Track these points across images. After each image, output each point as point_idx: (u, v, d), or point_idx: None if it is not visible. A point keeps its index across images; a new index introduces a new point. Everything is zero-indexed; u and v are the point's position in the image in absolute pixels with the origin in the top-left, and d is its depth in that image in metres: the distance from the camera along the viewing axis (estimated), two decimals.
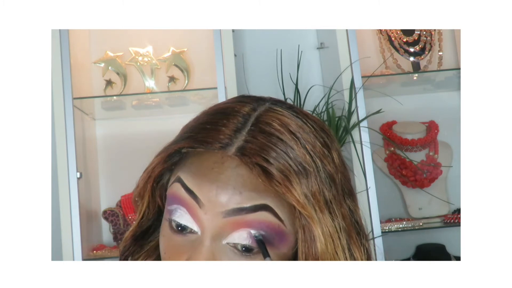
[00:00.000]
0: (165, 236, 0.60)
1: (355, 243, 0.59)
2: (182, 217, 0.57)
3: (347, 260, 0.57)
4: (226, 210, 0.55)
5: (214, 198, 0.55)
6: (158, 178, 0.63)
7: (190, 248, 0.57)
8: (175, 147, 0.59)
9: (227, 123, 0.57)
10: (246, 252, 0.56)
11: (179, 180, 0.58)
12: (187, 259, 0.57)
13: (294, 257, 0.60)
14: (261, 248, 0.56)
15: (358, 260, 0.58)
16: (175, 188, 0.59)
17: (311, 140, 0.58)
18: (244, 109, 0.59)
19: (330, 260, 0.56)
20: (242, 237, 0.55)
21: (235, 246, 0.56)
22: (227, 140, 0.56)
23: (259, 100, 0.61)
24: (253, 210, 0.55)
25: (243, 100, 0.61)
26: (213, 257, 0.56)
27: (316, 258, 0.56)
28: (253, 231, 0.56)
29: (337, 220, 0.57)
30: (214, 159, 0.57)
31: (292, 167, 0.55)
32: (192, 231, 0.57)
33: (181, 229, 0.58)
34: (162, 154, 0.60)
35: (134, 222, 0.67)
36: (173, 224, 0.58)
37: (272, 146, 0.55)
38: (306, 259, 0.57)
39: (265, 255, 0.56)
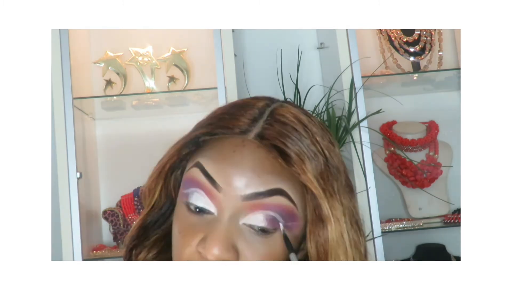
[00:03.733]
0: (181, 217, 0.61)
1: (355, 233, 0.61)
2: (199, 199, 0.60)
3: (350, 243, 0.60)
4: (245, 194, 0.58)
5: (234, 182, 0.58)
6: (172, 168, 0.65)
7: (207, 227, 0.58)
8: (196, 133, 0.62)
9: (245, 113, 0.61)
10: (262, 232, 0.58)
11: (198, 165, 0.60)
12: (204, 238, 0.58)
13: (302, 240, 0.63)
14: (286, 243, 0.59)
15: (358, 246, 0.61)
16: (194, 173, 0.61)
17: (320, 134, 0.62)
18: (259, 104, 0.63)
19: (337, 242, 0.59)
20: (258, 219, 0.58)
21: (251, 226, 0.58)
22: (246, 126, 0.60)
23: (271, 98, 0.66)
24: (269, 194, 0.58)
25: (257, 97, 0.65)
26: (230, 235, 0.57)
27: (325, 240, 0.59)
28: (280, 223, 0.59)
29: (342, 207, 0.60)
30: (235, 143, 0.60)
31: (306, 153, 0.58)
32: (209, 212, 0.59)
33: (199, 210, 0.60)
34: (181, 142, 0.63)
35: (143, 211, 0.68)
36: (191, 206, 0.60)
37: (288, 133, 0.59)
38: (315, 239, 0.60)
39: (290, 250, 0.59)
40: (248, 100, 0.64)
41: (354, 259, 0.60)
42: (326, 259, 0.59)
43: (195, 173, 0.60)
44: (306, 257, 0.63)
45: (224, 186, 0.58)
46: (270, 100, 0.64)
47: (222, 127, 0.60)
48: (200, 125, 0.63)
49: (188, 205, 0.60)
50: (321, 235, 0.60)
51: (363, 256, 0.61)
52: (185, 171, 0.63)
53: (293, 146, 0.58)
